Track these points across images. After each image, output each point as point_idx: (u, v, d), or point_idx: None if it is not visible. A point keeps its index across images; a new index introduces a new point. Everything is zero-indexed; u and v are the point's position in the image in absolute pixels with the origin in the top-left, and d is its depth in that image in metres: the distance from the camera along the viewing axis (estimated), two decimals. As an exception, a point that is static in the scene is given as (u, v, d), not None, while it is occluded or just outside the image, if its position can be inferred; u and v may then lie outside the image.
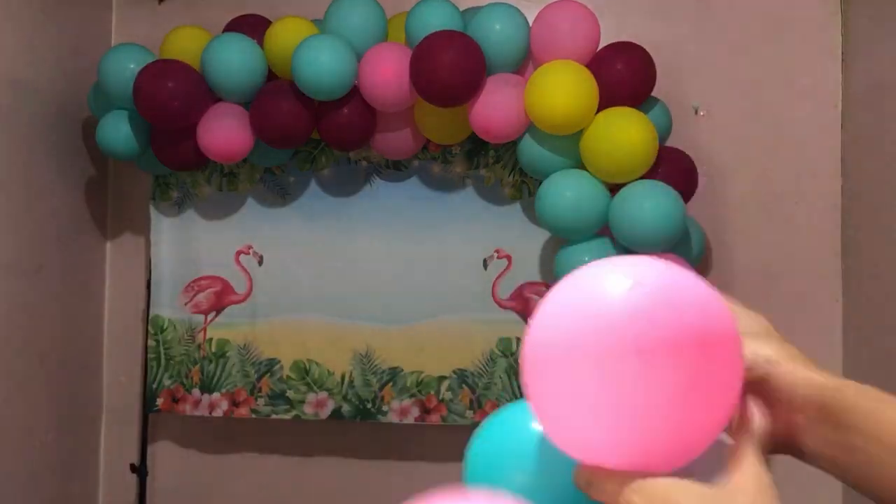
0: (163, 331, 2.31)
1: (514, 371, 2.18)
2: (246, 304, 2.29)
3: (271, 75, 2.07)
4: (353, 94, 2.00)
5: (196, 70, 2.04)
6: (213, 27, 2.13)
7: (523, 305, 2.19)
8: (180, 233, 2.31)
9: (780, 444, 0.57)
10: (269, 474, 2.39)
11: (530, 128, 1.96)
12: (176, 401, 2.30)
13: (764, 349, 0.56)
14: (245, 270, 2.29)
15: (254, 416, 2.28)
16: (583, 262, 1.84)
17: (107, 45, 2.40)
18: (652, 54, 1.93)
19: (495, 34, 1.92)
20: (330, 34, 1.98)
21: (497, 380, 2.18)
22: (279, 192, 2.30)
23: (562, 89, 1.84)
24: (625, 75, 1.90)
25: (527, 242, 2.19)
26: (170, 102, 1.97)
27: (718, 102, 2.22)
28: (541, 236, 2.17)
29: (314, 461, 2.38)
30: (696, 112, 2.22)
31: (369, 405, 2.23)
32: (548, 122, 1.88)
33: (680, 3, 2.25)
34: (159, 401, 2.31)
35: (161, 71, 1.99)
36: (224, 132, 2.03)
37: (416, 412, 2.21)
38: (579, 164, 1.95)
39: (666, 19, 2.25)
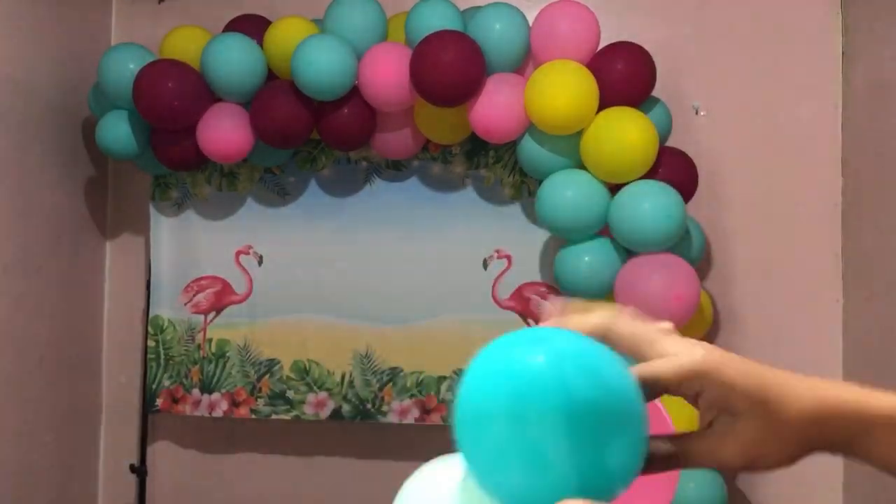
0: (162, 331, 2.31)
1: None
2: (246, 304, 2.29)
3: (271, 75, 2.06)
4: (353, 94, 2.00)
5: (196, 70, 2.04)
6: (213, 27, 2.13)
7: (523, 305, 2.19)
8: (180, 233, 2.31)
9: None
10: (269, 474, 2.39)
11: (530, 128, 1.96)
12: (176, 401, 2.30)
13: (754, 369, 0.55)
14: (245, 270, 2.29)
15: (254, 416, 2.28)
16: (583, 262, 1.84)
17: (107, 45, 2.40)
18: (652, 54, 1.93)
19: (495, 34, 1.92)
20: (330, 34, 1.98)
21: (497, 380, 2.17)
22: (279, 192, 2.30)
23: (562, 89, 1.84)
24: (625, 75, 1.90)
25: (527, 242, 2.19)
26: (170, 102, 1.97)
27: (718, 102, 2.22)
28: (541, 236, 2.17)
29: (314, 461, 2.38)
30: (696, 112, 2.22)
31: (369, 405, 2.23)
32: (548, 122, 1.88)
33: (680, 3, 2.25)
34: (159, 401, 2.31)
35: (161, 71, 1.99)
36: (224, 132, 2.03)
37: (416, 412, 2.21)
38: (579, 164, 1.95)
39: (666, 19, 2.25)
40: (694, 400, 0.55)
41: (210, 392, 2.29)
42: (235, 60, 1.99)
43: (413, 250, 2.23)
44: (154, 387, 2.31)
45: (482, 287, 2.20)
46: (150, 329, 2.31)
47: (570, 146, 1.93)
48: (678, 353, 0.54)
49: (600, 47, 1.95)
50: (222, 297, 2.29)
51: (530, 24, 1.96)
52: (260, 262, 2.29)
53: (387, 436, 2.32)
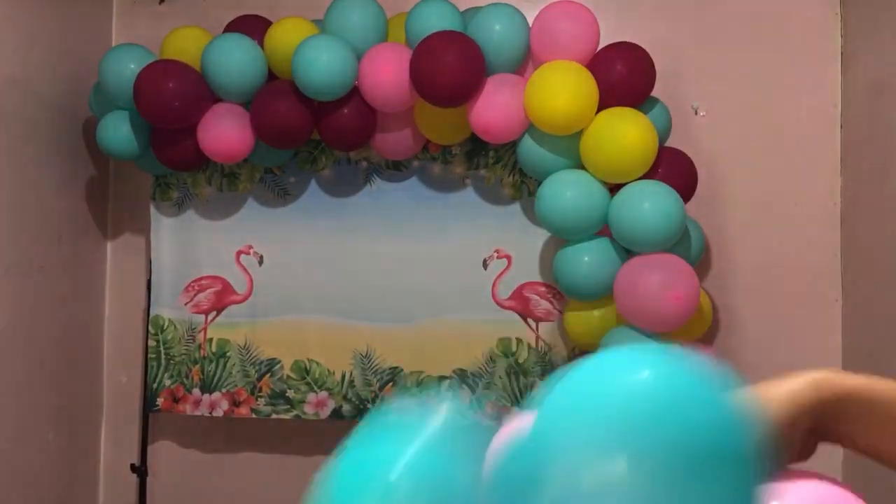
0: (163, 330, 2.31)
1: (513, 371, 2.18)
2: (246, 303, 2.29)
3: (271, 75, 2.07)
4: (353, 94, 2.00)
5: (196, 70, 2.04)
6: (213, 27, 2.14)
7: (523, 305, 2.19)
8: (181, 233, 2.31)
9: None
10: (269, 474, 2.39)
11: (530, 128, 1.96)
12: (176, 400, 2.30)
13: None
14: (245, 270, 2.29)
15: (254, 415, 2.28)
16: (582, 262, 1.84)
17: (107, 45, 2.40)
18: (652, 54, 1.94)
19: (495, 34, 1.93)
20: (330, 34, 1.98)
21: (497, 380, 2.18)
22: (279, 192, 2.30)
23: (562, 89, 1.84)
24: (625, 75, 1.90)
25: (527, 242, 2.19)
26: (170, 103, 1.97)
27: (718, 102, 2.22)
28: (541, 236, 2.17)
29: (314, 461, 2.38)
30: (696, 112, 2.22)
31: (369, 405, 2.23)
32: (548, 122, 1.88)
33: (680, 3, 2.26)
34: (160, 400, 2.31)
35: (162, 71, 1.99)
36: (224, 132, 2.03)
37: (416, 412, 2.21)
38: (579, 164, 1.95)
39: (666, 19, 2.25)
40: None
41: (210, 392, 2.29)
42: (236, 61, 1.99)
43: (413, 250, 2.23)
44: (155, 386, 2.31)
45: (482, 287, 2.20)
46: (150, 329, 2.32)
47: (569, 146, 1.93)
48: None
49: (600, 47, 1.95)
50: (223, 297, 2.30)
51: (530, 24, 1.96)
52: (260, 262, 2.29)
53: (387, 435, 2.32)
